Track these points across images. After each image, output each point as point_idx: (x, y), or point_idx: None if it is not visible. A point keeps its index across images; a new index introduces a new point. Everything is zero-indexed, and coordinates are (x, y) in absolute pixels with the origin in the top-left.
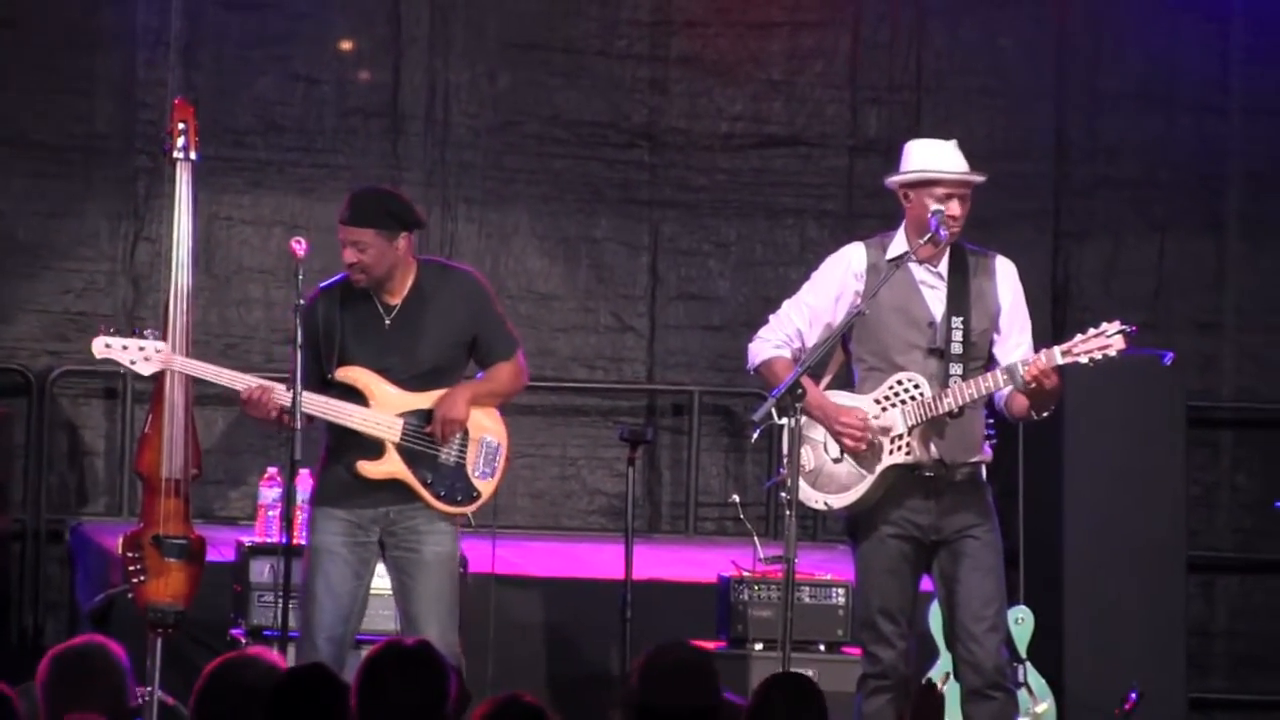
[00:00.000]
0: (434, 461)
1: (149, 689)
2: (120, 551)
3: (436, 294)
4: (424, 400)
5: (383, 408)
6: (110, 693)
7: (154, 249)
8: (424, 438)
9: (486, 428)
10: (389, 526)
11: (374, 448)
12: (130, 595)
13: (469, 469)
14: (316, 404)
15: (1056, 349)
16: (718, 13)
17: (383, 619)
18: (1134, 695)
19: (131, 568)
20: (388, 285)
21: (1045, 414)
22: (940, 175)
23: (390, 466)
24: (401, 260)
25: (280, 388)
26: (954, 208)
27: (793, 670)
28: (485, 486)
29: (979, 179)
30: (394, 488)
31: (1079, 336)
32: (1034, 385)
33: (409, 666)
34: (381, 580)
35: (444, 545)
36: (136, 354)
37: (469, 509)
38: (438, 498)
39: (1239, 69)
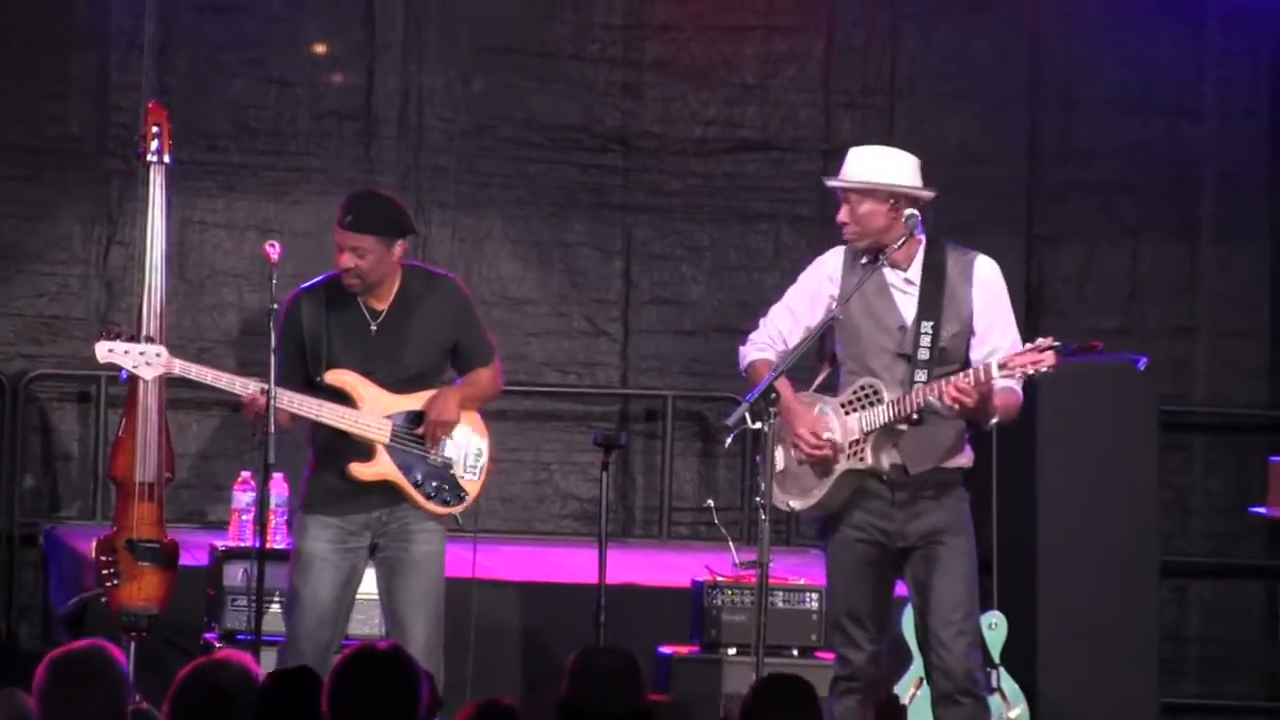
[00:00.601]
0: (423, 463)
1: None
2: (94, 555)
3: (421, 300)
4: (410, 402)
5: (371, 410)
6: (109, 699)
7: (127, 253)
8: (412, 439)
9: (470, 428)
10: (381, 529)
11: (364, 450)
12: (104, 599)
13: (456, 469)
14: (310, 406)
15: (994, 362)
16: (691, 17)
17: (359, 624)
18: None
19: (105, 571)
20: (376, 290)
21: (989, 425)
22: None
23: (381, 468)
24: (394, 266)
25: (279, 392)
26: (842, 213)
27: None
28: (472, 486)
29: (833, 183)
30: (384, 490)
31: (1016, 351)
32: (955, 406)
33: (380, 671)
34: (366, 585)
35: (433, 544)
36: (138, 358)
37: (458, 509)
38: (428, 499)
39: (1212, 73)
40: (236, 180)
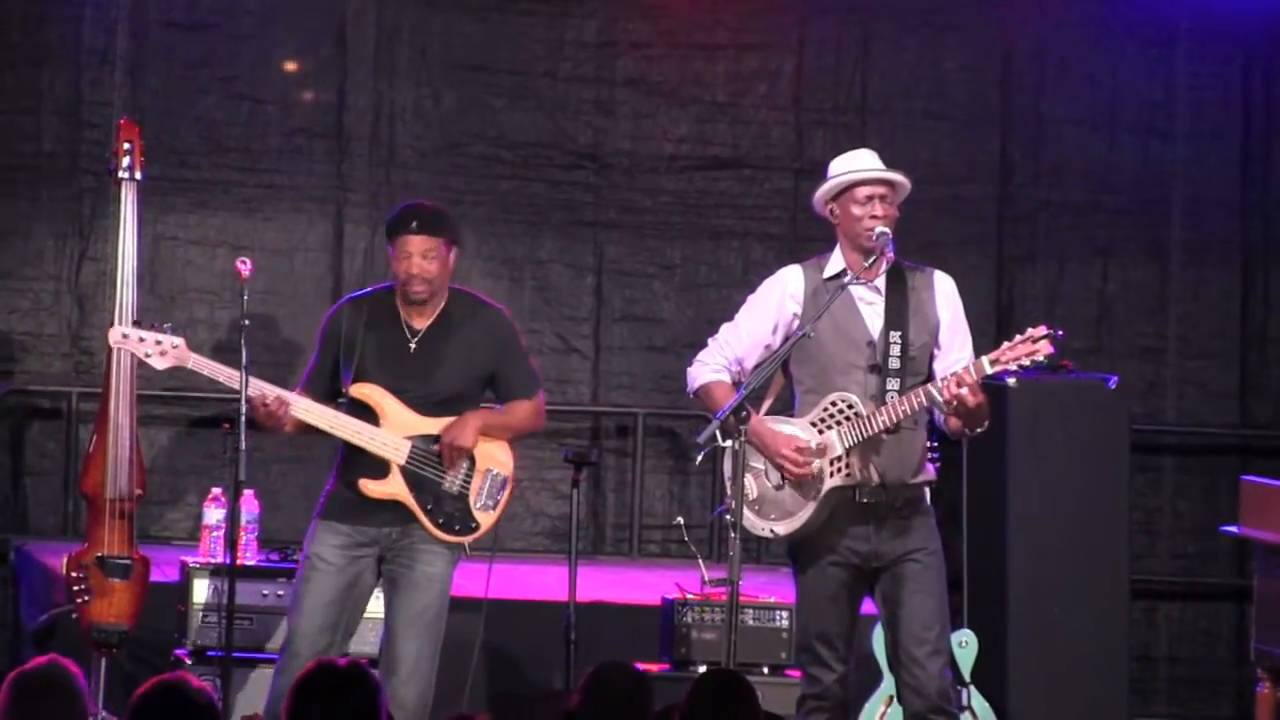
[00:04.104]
0: (437, 488)
1: (94, 709)
2: (65, 571)
3: (464, 324)
4: (436, 425)
5: (393, 428)
6: (71, 713)
7: (99, 269)
8: (431, 463)
9: (496, 459)
10: (390, 546)
11: (380, 467)
12: (75, 615)
13: (471, 499)
14: (325, 417)
15: (985, 359)
16: (663, 35)
17: (357, 642)
18: None
19: (76, 588)
20: (423, 307)
21: (979, 430)
22: (853, 176)
23: (392, 488)
24: (449, 278)
25: (292, 396)
26: (876, 208)
27: (723, 668)
28: (485, 518)
29: (894, 177)
30: (396, 509)
31: (1005, 345)
32: (954, 403)
33: (338, 688)
34: (375, 605)
35: (436, 566)
36: (153, 346)
37: (466, 539)
38: (436, 525)
39: (1184, 94)
40: (208, 197)
